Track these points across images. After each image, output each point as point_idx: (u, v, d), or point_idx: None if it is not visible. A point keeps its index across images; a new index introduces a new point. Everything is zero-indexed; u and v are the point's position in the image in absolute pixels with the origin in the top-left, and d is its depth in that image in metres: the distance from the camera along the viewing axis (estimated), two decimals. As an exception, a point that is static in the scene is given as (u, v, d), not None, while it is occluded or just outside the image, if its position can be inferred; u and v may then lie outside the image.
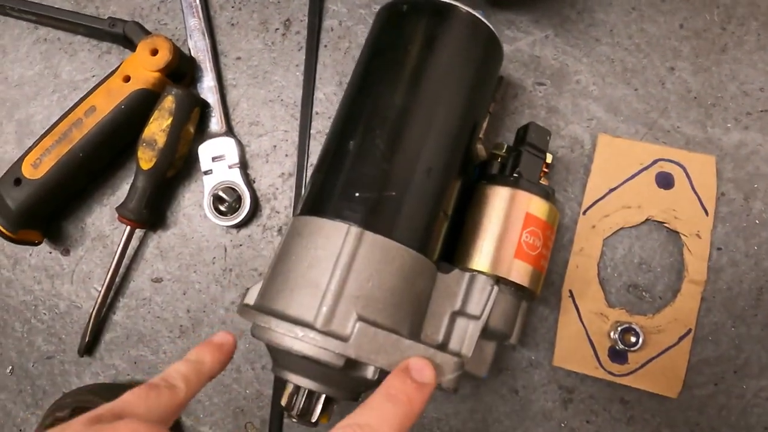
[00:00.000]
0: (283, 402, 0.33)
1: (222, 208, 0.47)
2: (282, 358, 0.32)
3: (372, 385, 0.33)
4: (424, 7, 0.37)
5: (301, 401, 0.32)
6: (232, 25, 0.50)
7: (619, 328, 0.41)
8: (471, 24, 0.37)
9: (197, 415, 0.46)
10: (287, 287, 0.32)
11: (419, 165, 0.34)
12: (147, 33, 0.47)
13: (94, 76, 0.51)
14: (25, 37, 0.52)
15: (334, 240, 0.32)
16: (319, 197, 0.34)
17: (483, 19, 0.37)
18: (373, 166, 0.34)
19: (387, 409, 0.27)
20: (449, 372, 0.31)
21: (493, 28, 0.38)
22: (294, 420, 0.33)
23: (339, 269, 0.31)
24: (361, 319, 0.30)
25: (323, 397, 0.32)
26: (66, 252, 0.49)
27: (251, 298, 0.36)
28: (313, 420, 0.33)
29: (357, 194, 0.33)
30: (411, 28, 0.37)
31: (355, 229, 0.32)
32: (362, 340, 0.30)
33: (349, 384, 0.32)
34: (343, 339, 0.30)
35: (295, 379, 0.32)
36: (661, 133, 0.44)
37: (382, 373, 0.31)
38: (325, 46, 0.49)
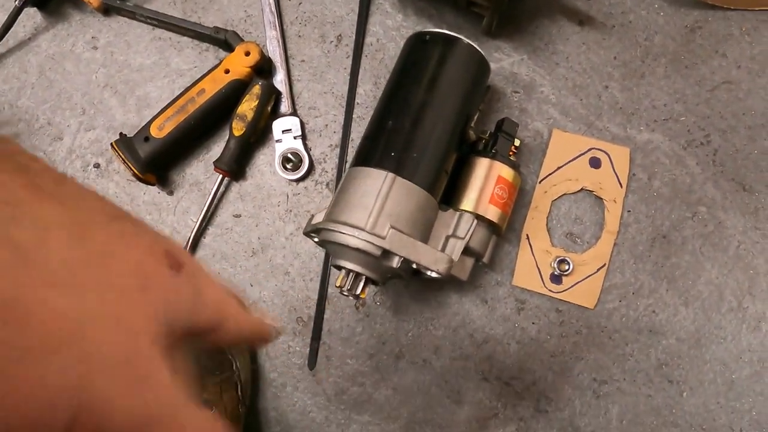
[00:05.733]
0: (338, 283, 0.53)
1: (288, 166, 0.66)
2: (341, 252, 0.52)
3: (395, 273, 0.53)
4: (439, 38, 0.57)
5: (350, 281, 0.52)
6: (299, 36, 0.69)
7: (558, 260, 0.61)
8: (469, 50, 0.57)
9: (263, 311, 0.65)
10: (348, 207, 0.51)
11: (431, 139, 0.54)
12: (242, 40, 0.67)
13: (195, 66, 0.70)
14: (144, 36, 0.71)
15: (378, 180, 0.51)
16: (369, 154, 0.54)
17: (477, 47, 0.57)
18: (402, 137, 0.53)
19: None
20: (444, 264, 0.51)
21: (483, 53, 0.57)
22: (345, 294, 0.52)
23: (380, 197, 0.51)
24: (392, 227, 0.50)
25: (364, 278, 0.52)
26: (170, 193, 0.68)
27: (317, 220, 0.56)
28: (357, 293, 0.52)
29: (392, 153, 0.53)
30: (430, 51, 0.57)
31: (390, 175, 0.51)
32: (393, 240, 0.49)
33: (381, 269, 0.52)
34: (381, 238, 0.49)
35: (348, 265, 0.52)
36: (596, 130, 0.64)
37: (403, 262, 0.50)
38: (366, 56, 0.68)
